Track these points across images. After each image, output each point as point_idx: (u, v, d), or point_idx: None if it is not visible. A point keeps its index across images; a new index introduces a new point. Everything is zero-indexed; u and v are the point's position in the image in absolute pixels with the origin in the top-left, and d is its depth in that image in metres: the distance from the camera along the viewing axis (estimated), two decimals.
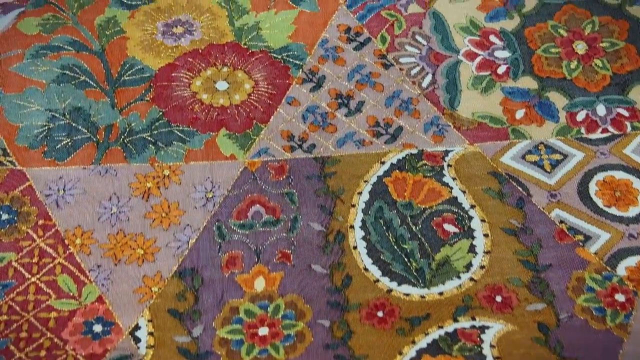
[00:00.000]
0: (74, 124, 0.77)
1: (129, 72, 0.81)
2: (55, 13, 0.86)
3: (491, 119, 0.78)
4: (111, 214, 0.72)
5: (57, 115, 0.78)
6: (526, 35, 0.85)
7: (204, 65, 0.83)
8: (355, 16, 0.87)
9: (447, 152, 0.76)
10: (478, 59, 0.83)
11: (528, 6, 0.87)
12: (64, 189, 0.73)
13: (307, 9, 0.87)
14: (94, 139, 0.77)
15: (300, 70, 0.83)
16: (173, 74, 0.82)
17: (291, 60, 0.83)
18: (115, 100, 0.79)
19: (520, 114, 0.79)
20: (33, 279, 0.67)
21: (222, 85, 0.81)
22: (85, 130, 0.77)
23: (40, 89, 0.80)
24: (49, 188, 0.73)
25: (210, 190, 0.74)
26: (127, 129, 0.77)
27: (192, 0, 0.87)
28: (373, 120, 0.79)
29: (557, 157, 0.75)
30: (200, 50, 0.84)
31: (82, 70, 0.81)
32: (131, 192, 0.73)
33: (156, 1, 0.87)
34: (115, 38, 0.84)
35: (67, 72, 0.81)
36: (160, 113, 0.79)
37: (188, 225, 0.71)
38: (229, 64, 0.83)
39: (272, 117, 0.79)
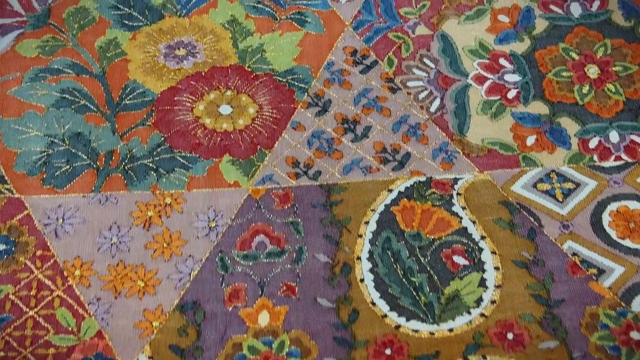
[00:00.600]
0: (73, 150, 0.75)
1: (130, 96, 0.80)
2: (54, 35, 0.84)
3: (501, 146, 0.77)
4: (111, 244, 0.70)
5: (57, 141, 0.76)
6: (537, 58, 0.83)
7: (207, 88, 0.81)
8: (362, 38, 0.85)
9: (456, 180, 0.74)
10: (487, 83, 0.81)
11: (538, 28, 0.85)
12: (63, 218, 0.71)
13: (313, 30, 0.85)
14: (94, 166, 0.75)
15: (306, 94, 0.81)
16: (175, 98, 0.80)
17: (296, 83, 0.81)
18: (116, 125, 0.78)
19: (531, 140, 0.77)
20: (31, 313, 0.65)
21: (225, 110, 0.79)
22: (85, 157, 0.75)
23: (39, 113, 0.78)
24: (48, 217, 0.71)
25: (213, 219, 0.72)
26: (128, 155, 0.76)
27: (195, 22, 0.85)
28: (380, 146, 0.77)
29: (569, 185, 0.73)
30: (203, 73, 0.82)
31: (82, 94, 0.79)
32: (132, 222, 0.71)
33: (158, 22, 0.86)
34: (116, 60, 0.82)
35: (67, 96, 0.79)
36: (162, 138, 0.77)
37: (190, 256, 0.69)
38: (232, 88, 0.81)
39: (276, 142, 0.77)
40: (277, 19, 0.86)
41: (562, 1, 0.86)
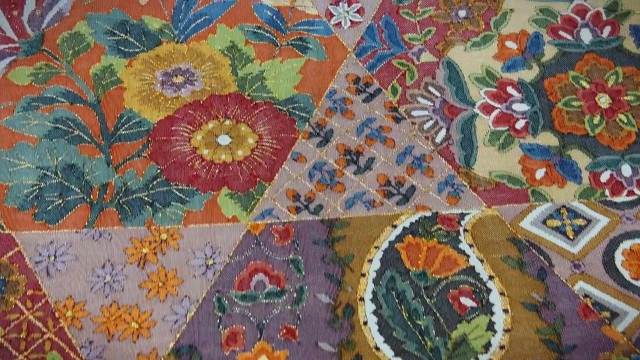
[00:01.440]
0: (66, 183, 0.73)
1: (126, 126, 0.77)
2: (48, 62, 0.81)
3: (509, 179, 0.74)
4: (104, 283, 0.67)
5: (49, 174, 0.73)
6: (546, 86, 0.80)
7: (205, 118, 0.78)
8: (365, 65, 0.82)
9: (463, 216, 0.72)
10: (495, 113, 0.78)
11: (547, 55, 0.82)
12: (55, 255, 0.69)
13: (314, 57, 0.83)
14: (88, 200, 0.72)
15: (307, 123, 0.78)
16: (172, 128, 0.77)
17: (297, 112, 0.79)
18: (111, 157, 0.75)
19: (540, 173, 0.74)
20: (20, 357, 0.63)
21: (224, 140, 0.77)
22: (79, 190, 0.73)
23: (31, 144, 0.75)
24: (39, 254, 0.69)
25: (211, 257, 0.69)
26: (123, 189, 0.73)
27: (193, 48, 0.83)
28: (384, 179, 0.74)
29: (580, 222, 0.71)
30: (201, 102, 0.79)
31: (76, 124, 0.77)
32: (126, 259, 0.69)
33: (155, 48, 0.83)
34: (111, 88, 0.80)
35: (60, 126, 0.77)
36: (159, 170, 0.74)
37: (186, 296, 0.67)
38: (231, 117, 0.78)
39: (276, 174, 0.75)
40: (277, 45, 0.83)
41: (571, 27, 0.83)
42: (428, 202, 0.73)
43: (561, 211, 0.72)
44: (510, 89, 0.80)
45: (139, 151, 0.76)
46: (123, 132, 0.77)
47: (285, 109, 0.79)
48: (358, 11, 0.85)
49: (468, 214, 0.72)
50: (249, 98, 0.80)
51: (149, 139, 0.76)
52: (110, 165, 0.74)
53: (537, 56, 0.82)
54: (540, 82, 0.80)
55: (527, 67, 0.81)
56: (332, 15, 0.85)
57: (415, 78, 0.81)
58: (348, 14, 0.85)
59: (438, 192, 0.73)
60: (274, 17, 0.84)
